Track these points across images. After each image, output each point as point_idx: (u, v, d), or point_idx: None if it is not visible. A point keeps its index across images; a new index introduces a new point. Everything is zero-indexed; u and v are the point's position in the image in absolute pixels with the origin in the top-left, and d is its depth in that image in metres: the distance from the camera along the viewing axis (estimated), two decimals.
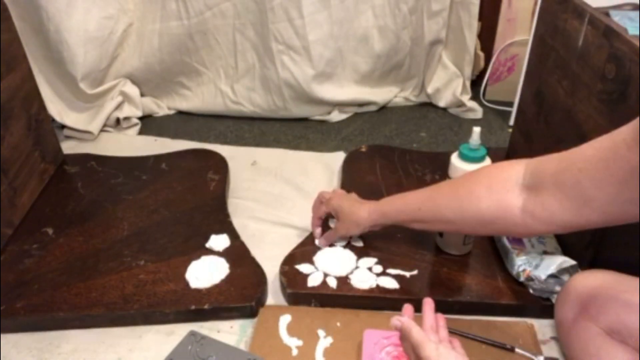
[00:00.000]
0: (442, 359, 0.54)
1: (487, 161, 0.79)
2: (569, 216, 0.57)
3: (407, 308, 0.63)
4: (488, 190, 0.65)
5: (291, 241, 0.89)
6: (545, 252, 0.78)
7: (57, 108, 1.30)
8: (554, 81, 0.89)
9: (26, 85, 1.01)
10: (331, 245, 0.88)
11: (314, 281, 0.80)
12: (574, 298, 0.66)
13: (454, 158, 0.81)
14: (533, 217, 0.60)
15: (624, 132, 0.50)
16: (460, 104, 1.40)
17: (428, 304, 0.63)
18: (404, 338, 0.59)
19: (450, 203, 0.70)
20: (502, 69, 1.44)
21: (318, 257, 0.85)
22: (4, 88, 0.92)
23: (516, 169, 0.63)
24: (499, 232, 0.73)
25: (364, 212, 0.80)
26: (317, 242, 0.88)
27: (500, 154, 1.13)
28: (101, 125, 1.32)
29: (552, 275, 0.75)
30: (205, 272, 0.82)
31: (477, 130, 0.77)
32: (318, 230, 0.89)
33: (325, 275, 0.82)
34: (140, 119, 1.40)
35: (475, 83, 1.50)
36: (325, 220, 0.91)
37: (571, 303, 0.66)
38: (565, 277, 0.75)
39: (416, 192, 0.76)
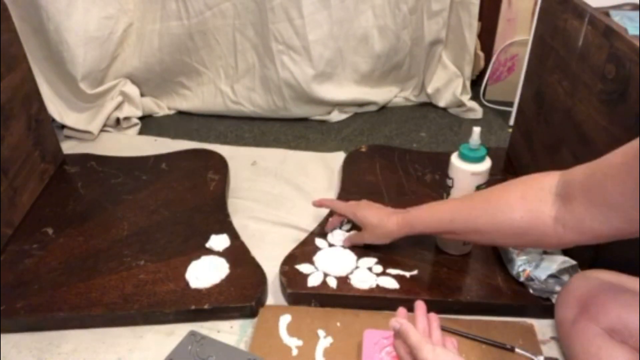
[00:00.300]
0: (440, 359, 0.54)
1: (487, 161, 0.79)
2: (597, 224, 0.56)
3: (401, 311, 0.64)
4: (522, 200, 0.64)
5: (291, 241, 0.89)
6: (545, 252, 0.78)
7: (57, 108, 1.30)
8: (554, 81, 0.89)
9: (26, 85, 1.01)
10: (331, 245, 0.88)
11: (314, 281, 0.80)
12: (574, 298, 0.66)
13: (454, 158, 0.81)
14: (565, 227, 0.59)
15: None
16: (460, 104, 1.40)
17: (420, 307, 0.64)
18: (400, 339, 0.59)
19: (484, 213, 0.68)
20: (502, 69, 1.44)
21: (318, 257, 0.85)
22: (4, 88, 0.92)
23: (549, 179, 0.62)
24: (533, 243, 0.69)
25: (393, 224, 0.79)
26: (344, 243, 0.88)
27: (500, 154, 1.14)
28: (101, 125, 1.32)
29: (552, 275, 0.75)
30: (205, 272, 0.82)
31: (477, 130, 0.77)
32: (333, 227, 0.90)
33: (325, 275, 0.81)
34: (140, 119, 1.40)
35: (475, 83, 1.50)
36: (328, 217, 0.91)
37: (571, 303, 0.66)
38: (566, 277, 0.75)
39: (446, 202, 0.76)
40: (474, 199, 0.72)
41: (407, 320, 0.60)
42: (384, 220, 0.80)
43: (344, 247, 0.87)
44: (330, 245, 0.88)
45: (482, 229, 0.69)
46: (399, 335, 0.59)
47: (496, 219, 0.66)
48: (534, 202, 0.62)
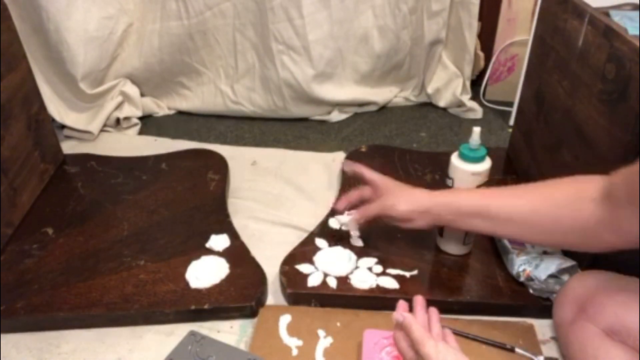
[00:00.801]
0: (442, 356, 0.54)
1: (487, 161, 0.79)
2: (637, 226, 0.54)
3: (402, 304, 0.62)
4: (568, 198, 0.62)
5: (291, 241, 0.89)
6: (545, 252, 0.78)
7: (57, 108, 1.30)
8: (554, 81, 0.89)
9: (26, 85, 1.01)
10: (331, 245, 0.88)
11: (314, 281, 0.80)
12: (573, 298, 0.66)
13: (454, 158, 0.81)
14: (607, 230, 0.58)
15: None
16: (460, 104, 1.40)
17: (419, 302, 0.63)
18: (401, 332, 0.59)
19: (528, 203, 0.66)
20: (502, 69, 1.44)
21: (318, 257, 0.85)
22: (4, 88, 0.92)
23: (596, 182, 0.61)
24: (572, 243, 0.66)
25: (421, 192, 0.74)
26: (355, 216, 0.81)
27: (500, 154, 1.14)
28: (101, 125, 1.32)
29: (552, 275, 0.75)
30: (205, 272, 0.82)
31: (477, 130, 0.78)
32: (344, 204, 0.83)
33: (325, 275, 0.81)
34: (140, 119, 1.40)
35: (475, 83, 1.50)
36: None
37: (570, 303, 0.66)
38: (565, 277, 0.75)
39: (483, 189, 0.73)
40: (515, 188, 0.69)
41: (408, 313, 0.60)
42: (411, 189, 0.77)
43: (343, 247, 0.87)
44: (330, 245, 0.88)
45: (522, 219, 0.66)
46: (401, 328, 0.59)
47: (540, 211, 0.64)
48: (581, 202, 0.61)
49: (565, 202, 0.62)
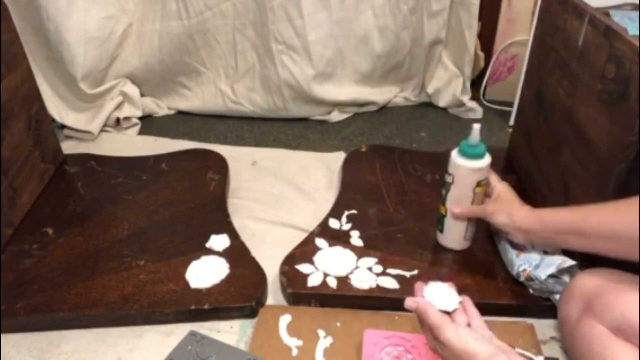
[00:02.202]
0: (463, 339, 0.52)
1: (487, 157, 0.79)
2: None
3: (419, 285, 0.60)
4: None
5: (291, 241, 0.89)
6: (545, 252, 0.78)
7: (57, 108, 1.30)
8: (554, 81, 0.89)
9: (26, 85, 1.01)
10: (331, 245, 0.88)
11: (314, 281, 0.80)
12: (578, 296, 0.66)
13: (454, 154, 0.81)
14: None
15: None
16: (460, 104, 1.40)
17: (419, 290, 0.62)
18: (420, 319, 0.58)
19: (623, 218, 0.61)
20: (502, 69, 1.44)
21: (318, 257, 0.85)
22: (4, 88, 0.92)
23: None
24: None
25: (522, 209, 0.76)
26: (451, 209, 0.83)
27: (500, 154, 1.14)
28: (101, 125, 1.32)
29: (552, 275, 0.75)
30: (205, 272, 0.82)
31: (476, 127, 0.78)
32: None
33: (325, 275, 0.81)
34: (140, 119, 1.40)
35: (475, 83, 1.50)
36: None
37: (575, 301, 0.66)
38: (565, 277, 0.75)
39: (579, 206, 0.70)
40: (607, 204, 0.65)
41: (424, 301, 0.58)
42: (515, 202, 0.78)
43: (343, 247, 0.87)
44: (331, 245, 0.87)
45: (618, 234, 0.62)
46: (417, 315, 0.57)
47: (635, 226, 0.59)
48: None
49: None
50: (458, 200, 0.83)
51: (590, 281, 0.66)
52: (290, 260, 0.84)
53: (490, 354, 0.51)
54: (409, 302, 0.58)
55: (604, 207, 0.65)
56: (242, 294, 0.79)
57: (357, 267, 0.83)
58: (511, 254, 0.80)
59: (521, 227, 0.75)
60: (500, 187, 0.81)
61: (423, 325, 0.58)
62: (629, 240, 0.60)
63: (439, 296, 0.66)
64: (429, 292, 0.67)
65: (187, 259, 0.85)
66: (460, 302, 0.60)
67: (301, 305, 0.79)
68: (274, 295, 0.83)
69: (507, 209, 0.77)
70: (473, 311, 0.59)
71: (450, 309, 0.63)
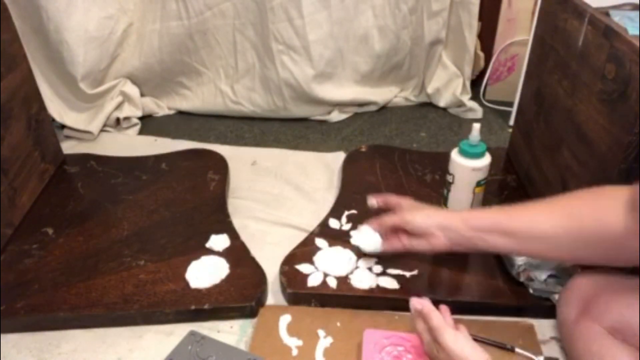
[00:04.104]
0: (459, 345, 0.56)
1: (487, 157, 0.79)
2: None
3: (425, 298, 0.64)
4: (592, 210, 0.60)
5: (291, 241, 0.89)
6: None
7: (57, 108, 1.30)
8: (554, 81, 0.89)
9: (26, 85, 1.01)
10: (331, 245, 0.88)
11: (314, 281, 0.80)
12: (577, 297, 0.66)
13: (454, 154, 0.81)
14: (635, 238, 0.56)
15: None
16: (460, 104, 1.40)
17: (427, 300, 0.65)
18: (420, 320, 0.62)
19: (551, 217, 0.63)
20: (502, 69, 1.44)
21: (318, 257, 0.85)
22: (4, 88, 0.92)
23: (620, 192, 0.58)
24: (600, 258, 0.62)
25: (442, 211, 0.76)
26: (368, 222, 0.81)
27: (500, 154, 1.14)
28: (101, 125, 1.32)
29: (552, 275, 0.75)
30: (205, 272, 0.82)
31: (476, 126, 0.78)
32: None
33: (325, 275, 0.81)
34: (140, 119, 1.40)
35: (475, 83, 1.50)
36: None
37: (574, 302, 0.66)
38: (565, 277, 0.75)
39: (505, 207, 0.70)
40: (539, 203, 0.66)
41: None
42: (437, 209, 0.77)
43: (343, 247, 0.87)
44: (331, 245, 0.88)
45: (547, 233, 0.63)
46: (420, 315, 0.61)
47: (564, 224, 0.61)
48: (606, 212, 0.58)
49: (590, 214, 0.60)
50: (459, 200, 0.83)
51: (588, 282, 0.66)
52: (290, 260, 0.84)
53: None
54: (415, 302, 0.62)
55: (531, 206, 0.65)
56: (242, 294, 0.79)
57: (357, 267, 0.83)
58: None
59: (442, 223, 0.72)
60: (406, 200, 0.79)
61: (419, 325, 0.62)
62: (555, 241, 0.62)
63: (364, 238, 0.78)
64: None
65: (187, 259, 0.85)
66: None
67: (301, 305, 0.79)
68: (274, 295, 0.83)
69: (426, 211, 0.75)
70: (449, 321, 0.63)
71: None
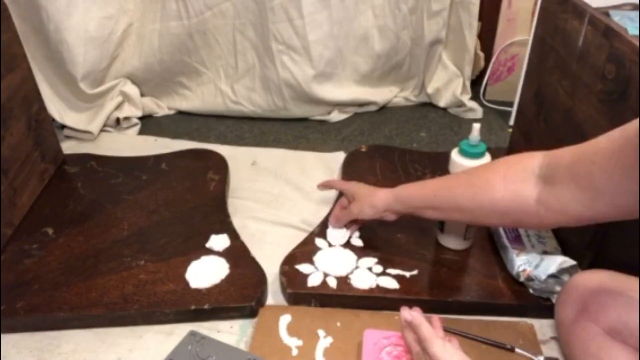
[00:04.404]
0: (448, 355, 0.56)
1: (487, 157, 0.79)
2: (581, 208, 0.56)
3: (416, 309, 0.65)
4: (504, 179, 0.64)
5: (291, 241, 0.89)
6: (545, 252, 0.78)
7: (57, 108, 1.30)
8: (554, 81, 0.89)
9: (26, 85, 1.01)
10: (331, 245, 0.88)
11: (314, 281, 0.80)
12: (575, 298, 0.66)
13: (454, 154, 0.81)
14: (547, 209, 0.60)
15: (636, 123, 0.50)
16: (460, 104, 1.40)
17: (418, 311, 0.65)
18: (410, 331, 0.62)
19: (466, 191, 0.69)
20: (502, 69, 1.44)
21: (318, 257, 0.85)
22: (4, 88, 0.92)
23: (533, 160, 0.63)
24: (513, 223, 0.73)
25: (380, 196, 0.80)
26: (329, 222, 0.91)
27: (500, 154, 1.13)
28: (101, 125, 1.32)
29: (552, 275, 0.75)
30: (205, 272, 0.82)
31: (476, 126, 0.78)
32: (337, 221, 0.90)
33: (325, 275, 0.81)
34: (140, 119, 1.40)
35: (475, 83, 1.50)
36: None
37: (572, 303, 0.66)
38: (566, 277, 0.75)
39: (433, 180, 0.77)
40: (458, 177, 0.74)
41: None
42: (373, 192, 0.82)
43: (343, 247, 0.87)
44: (331, 245, 0.88)
45: (463, 207, 0.70)
46: (410, 326, 0.62)
47: (477, 197, 0.67)
48: (516, 182, 0.63)
49: (501, 185, 0.64)
50: None
51: (586, 282, 0.66)
52: (290, 260, 0.84)
53: None
54: (405, 314, 0.62)
55: (454, 180, 0.74)
56: (242, 294, 0.79)
57: (357, 267, 0.83)
58: (511, 254, 0.80)
59: (386, 208, 0.80)
60: (349, 186, 0.87)
61: (409, 336, 0.62)
62: (473, 212, 0.69)
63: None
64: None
65: (187, 259, 0.85)
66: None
67: (301, 305, 0.79)
68: (274, 295, 0.83)
69: (369, 201, 0.81)
70: (441, 332, 0.64)
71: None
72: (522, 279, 0.78)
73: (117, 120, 1.34)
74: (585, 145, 0.57)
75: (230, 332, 0.76)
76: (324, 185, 0.96)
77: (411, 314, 0.61)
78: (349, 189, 0.87)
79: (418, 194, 0.76)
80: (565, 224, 0.60)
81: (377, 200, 0.80)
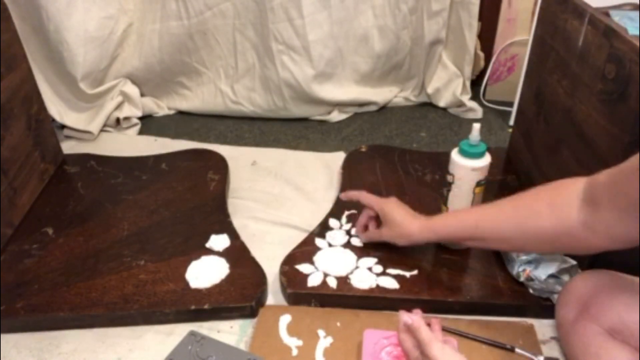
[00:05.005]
0: (447, 358, 0.56)
1: (487, 157, 0.79)
2: (625, 229, 0.54)
3: (416, 311, 0.65)
4: (549, 206, 0.62)
5: (291, 241, 0.89)
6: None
7: (57, 108, 1.30)
8: (554, 81, 0.89)
9: (26, 85, 1.01)
10: (330, 245, 0.88)
11: (314, 281, 0.80)
12: (575, 298, 0.66)
13: (454, 154, 0.81)
14: (594, 233, 0.57)
15: None
16: (460, 104, 1.40)
17: (418, 313, 0.65)
18: (407, 334, 0.61)
19: (510, 220, 0.67)
20: (502, 69, 1.44)
21: (318, 257, 0.85)
22: (4, 88, 0.92)
23: (577, 185, 0.60)
24: (563, 249, 0.69)
25: (415, 227, 0.77)
26: (356, 231, 0.89)
27: (500, 154, 1.14)
28: (101, 125, 1.32)
29: (552, 275, 0.75)
30: (205, 272, 0.82)
31: (476, 126, 0.78)
32: (362, 226, 0.88)
33: (325, 275, 0.81)
34: (140, 119, 1.40)
35: (475, 83, 1.50)
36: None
37: (572, 303, 0.66)
38: (566, 277, 0.75)
39: (471, 210, 0.76)
40: (500, 206, 0.70)
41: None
42: (407, 220, 0.79)
43: (343, 247, 0.87)
44: (330, 245, 0.88)
45: (508, 236, 0.67)
46: (408, 329, 0.61)
47: (523, 226, 0.65)
48: (562, 208, 0.61)
49: (547, 212, 0.62)
50: (459, 200, 0.83)
51: (586, 283, 0.66)
52: (290, 260, 0.84)
53: None
54: (404, 317, 0.62)
55: (496, 209, 0.70)
56: (242, 294, 0.79)
57: (357, 267, 0.83)
58: (511, 254, 0.80)
59: (419, 241, 0.78)
60: (385, 209, 0.82)
61: (407, 342, 0.62)
62: (519, 241, 0.67)
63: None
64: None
65: (187, 259, 0.85)
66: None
67: (301, 305, 0.79)
68: (274, 295, 0.83)
69: (401, 231, 0.79)
70: (439, 335, 0.62)
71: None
72: (522, 279, 0.78)
73: (117, 120, 1.34)
74: (622, 164, 0.54)
75: (230, 332, 0.76)
76: (350, 197, 0.89)
77: (411, 317, 0.61)
78: (382, 210, 0.82)
79: (457, 225, 0.73)
80: (615, 247, 0.57)
81: (411, 231, 0.77)
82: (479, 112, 1.40)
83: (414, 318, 0.61)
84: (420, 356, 0.59)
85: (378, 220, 0.85)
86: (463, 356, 0.57)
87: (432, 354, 0.56)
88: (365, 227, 0.87)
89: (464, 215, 0.74)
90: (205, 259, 0.85)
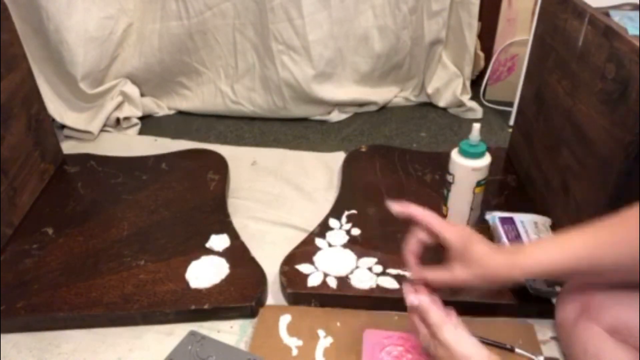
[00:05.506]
0: (460, 343, 0.54)
1: (487, 157, 0.80)
2: None
3: (422, 288, 0.59)
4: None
5: (291, 241, 0.89)
6: None
7: (57, 108, 1.30)
8: (554, 81, 0.89)
9: (26, 85, 1.01)
10: (330, 245, 0.88)
11: (314, 281, 0.80)
12: (575, 298, 0.66)
13: (454, 154, 0.81)
14: None
15: None
16: (460, 104, 1.40)
17: (423, 292, 0.60)
18: (417, 316, 0.59)
19: (624, 247, 0.54)
20: (502, 69, 1.44)
21: (318, 257, 0.85)
22: (4, 88, 0.92)
23: None
24: None
25: (498, 264, 0.58)
26: (406, 265, 0.66)
27: (500, 154, 1.14)
28: (101, 125, 1.32)
29: None
30: (205, 272, 0.82)
31: (476, 126, 0.78)
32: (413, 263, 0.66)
33: (325, 275, 0.81)
34: (140, 119, 1.40)
35: (475, 83, 1.50)
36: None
37: (572, 303, 0.66)
38: None
39: (566, 237, 0.58)
40: (606, 232, 0.56)
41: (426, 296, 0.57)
42: (488, 256, 0.59)
43: (343, 247, 0.87)
44: (330, 245, 0.88)
45: (628, 267, 0.55)
46: (416, 311, 0.58)
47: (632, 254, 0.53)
48: None
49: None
50: (459, 200, 0.83)
51: (585, 283, 0.66)
52: (290, 260, 0.84)
53: (484, 358, 0.53)
54: (411, 298, 0.58)
55: (596, 238, 0.56)
56: (242, 294, 0.79)
57: (357, 267, 0.83)
58: None
59: (503, 283, 0.61)
60: (459, 241, 0.61)
61: (416, 322, 0.59)
62: (636, 269, 0.54)
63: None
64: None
65: (187, 259, 0.85)
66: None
67: (301, 305, 0.79)
68: (274, 295, 0.83)
69: (483, 272, 0.59)
70: (454, 320, 0.57)
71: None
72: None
73: (117, 120, 1.34)
74: None
75: (230, 332, 0.76)
76: (405, 214, 0.65)
77: (418, 298, 0.57)
78: (455, 243, 0.61)
79: (555, 261, 0.57)
80: None
81: (494, 273, 0.58)
82: (479, 112, 1.40)
83: (422, 298, 0.57)
84: (429, 335, 0.56)
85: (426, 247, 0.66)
86: (477, 340, 0.55)
87: (444, 337, 0.53)
88: (416, 256, 0.66)
89: (560, 245, 0.57)
90: (205, 259, 0.85)
